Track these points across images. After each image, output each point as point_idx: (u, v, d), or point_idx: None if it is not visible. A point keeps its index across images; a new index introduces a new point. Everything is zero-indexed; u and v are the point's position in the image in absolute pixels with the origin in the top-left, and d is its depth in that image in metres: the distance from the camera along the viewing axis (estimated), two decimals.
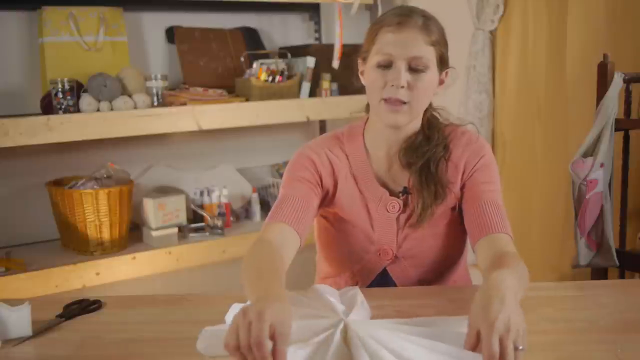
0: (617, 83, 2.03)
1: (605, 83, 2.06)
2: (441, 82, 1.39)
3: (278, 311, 0.95)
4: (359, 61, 1.41)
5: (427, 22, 1.32)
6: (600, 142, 2.05)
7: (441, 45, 1.34)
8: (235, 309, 1.17)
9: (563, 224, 2.60)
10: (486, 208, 1.34)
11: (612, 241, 2.08)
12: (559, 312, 1.21)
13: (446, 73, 1.39)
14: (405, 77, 1.30)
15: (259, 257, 1.22)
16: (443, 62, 1.36)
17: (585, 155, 2.07)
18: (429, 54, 1.31)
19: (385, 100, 1.32)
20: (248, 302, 1.14)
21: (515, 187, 2.81)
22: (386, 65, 1.31)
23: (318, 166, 1.42)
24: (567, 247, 2.48)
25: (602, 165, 2.05)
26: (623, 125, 2.11)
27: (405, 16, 1.31)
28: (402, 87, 1.30)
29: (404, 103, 1.31)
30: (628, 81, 2.07)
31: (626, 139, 2.15)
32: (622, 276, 2.21)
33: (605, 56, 2.09)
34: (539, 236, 2.73)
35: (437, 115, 1.45)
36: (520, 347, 0.94)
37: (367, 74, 1.36)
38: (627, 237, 2.22)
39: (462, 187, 1.40)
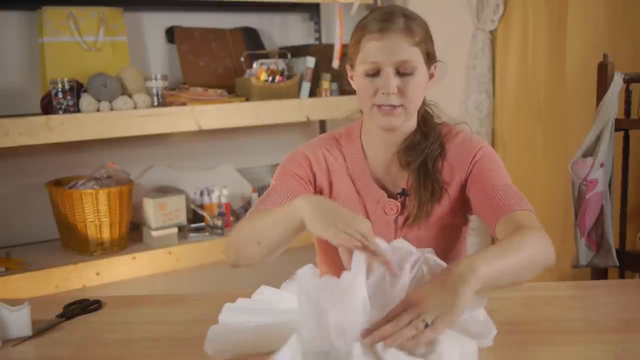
0: (617, 83, 2.03)
1: (605, 83, 2.06)
2: (431, 76, 1.38)
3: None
4: (347, 67, 1.40)
5: (409, 23, 1.31)
6: (600, 142, 2.05)
7: (426, 42, 1.33)
8: (228, 309, 1.16)
9: (563, 224, 2.59)
10: (495, 192, 1.32)
11: (612, 241, 2.08)
12: (559, 312, 1.21)
13: (435, 66, 1.39)
14: (394, 83, 1.30)
15: (255, 221, 1.28)
16: (430, 58, 1.36)
17: (585, 155, 2.07)
18: (415, 55, 1.31)
19: (378, 106, 1.32)
20: (238, 300, 1.16)
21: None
22: (374, 74, 1.31)
23: (313, 165, 1.42)
24: (567, 247, 2.48)
25: (602, 165, 2.05)
26: (623, 125, 2.10)
27: (386, 21, 1.30)
28: (393, 93, 1.30)
29: (397, 106, 1.31)
30: (628, 81, 2.07)
31: (626, 139, 2.15)
32: (622, 276, 2.21)
33: (605, 56, 2.09)
34: None
35: (430, 111, 1.45)
36: (427, 322, 0.98)
37: (356, 80, 1.36)
38: (627, 237, 2.22)
39: (465, 184, 1.39)
